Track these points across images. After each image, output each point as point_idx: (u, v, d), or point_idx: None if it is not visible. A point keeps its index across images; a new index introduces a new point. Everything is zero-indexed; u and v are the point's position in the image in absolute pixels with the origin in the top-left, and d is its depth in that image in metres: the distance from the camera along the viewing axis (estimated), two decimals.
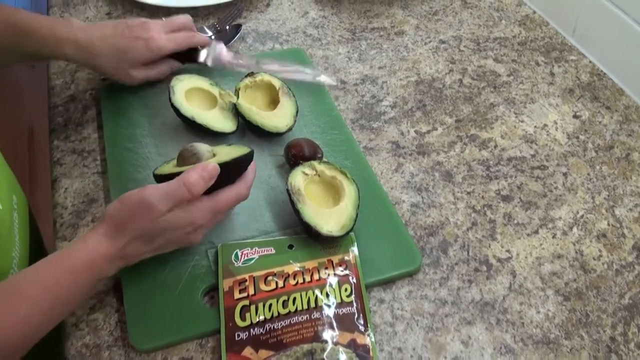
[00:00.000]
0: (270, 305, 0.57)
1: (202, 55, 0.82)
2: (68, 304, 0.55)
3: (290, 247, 0.62)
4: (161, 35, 0.75)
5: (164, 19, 0.79)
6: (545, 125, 0.80)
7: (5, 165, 0.73)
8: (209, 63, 0.82)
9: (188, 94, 0.75)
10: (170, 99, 0.73)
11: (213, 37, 0.91)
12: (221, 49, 0.82)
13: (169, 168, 0.62)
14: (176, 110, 0.73)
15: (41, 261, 0.54)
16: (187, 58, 0.81)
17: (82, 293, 0.55)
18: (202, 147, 0.61)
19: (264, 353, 0.55)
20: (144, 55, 0.75)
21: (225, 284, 0.59)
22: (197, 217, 0.57)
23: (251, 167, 0.62)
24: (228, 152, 0.62)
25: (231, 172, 0.59)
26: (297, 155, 0.69)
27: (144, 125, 0.77)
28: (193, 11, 0.98)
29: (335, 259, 0.61)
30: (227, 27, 0.93)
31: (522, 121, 0.81)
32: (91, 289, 0.56)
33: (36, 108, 2.20)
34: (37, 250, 0.74)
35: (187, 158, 0.61)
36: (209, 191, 0.58)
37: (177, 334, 0.57)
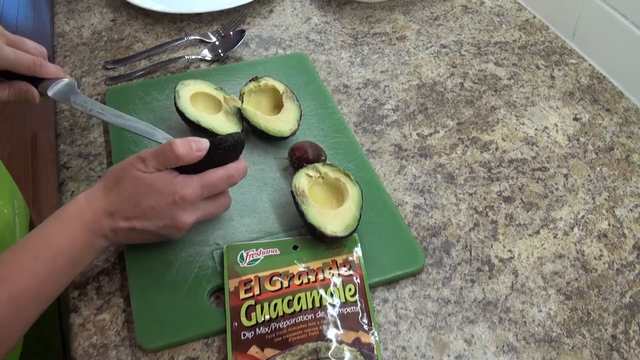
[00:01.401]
0: (276, 304, 0.58)
1: (51, 89, 0.69)
2: (68, 257, 0.56)
3: (295, 247, 0.63)
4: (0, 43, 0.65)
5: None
6: (546, 127, 0.81)
7: (6, 172, 0.74)
8: (51, 95, 0.69)
9: (193, 98, 0.76)
10: (175, 104, 0.74)
11: (217, 41, 0.92)
12: (72, 87, 0.70)
13: None
14: (181, 115, 0.74)
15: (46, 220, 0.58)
16: (35, 85, 0.69)
17: (78, 247, 0.57)
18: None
19: (269, 352, 0.55)
20: None
21: (231, 284, 0.60)
22: (183, 185, 0.58)
23: (242, 159, 0.63)
24: None
25: (221, 154, 0.60)
26: (301, 157, 0.70)
27: None
28: (197, 17, 0.99)
29: (340, 259, 0.62)
30: (231, 33, 0.94)
31: (523, 124, 0.82)
32: (87, 245, 0.57)
33: (39, 115, 2.23)
34: None
35: None
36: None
37: (184, 334, 0.58)
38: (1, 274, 0.53)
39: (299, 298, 0.58)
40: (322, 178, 0.67)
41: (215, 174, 0.60)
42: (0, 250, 0.56)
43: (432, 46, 0.95)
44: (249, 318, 0.57)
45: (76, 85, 0.71)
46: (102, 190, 0.59)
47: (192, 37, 0.94)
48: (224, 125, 0.75)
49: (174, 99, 0.75)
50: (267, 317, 0.57)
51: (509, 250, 0.67)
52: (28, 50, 0.68)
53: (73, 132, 0.81)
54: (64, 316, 0.63)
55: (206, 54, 0.91)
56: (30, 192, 1.91)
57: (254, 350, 0.56)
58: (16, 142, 2.09)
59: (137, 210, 0.58)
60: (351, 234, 0.62)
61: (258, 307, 0.58)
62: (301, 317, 0.57)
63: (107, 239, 0.59)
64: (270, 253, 0.62)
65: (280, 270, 0.61)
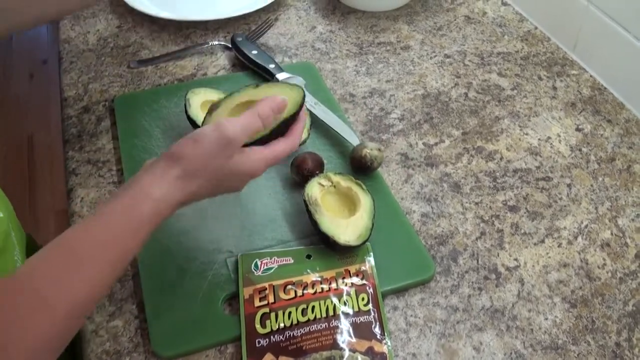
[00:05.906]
0: (290, 313, 0.59)
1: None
2: (129, 257, 0.52)
3: (308, 257, 0.64)
4: None
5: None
6: (549, 137, 0.83)
7: None
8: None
9: (203, 106, 0.76)
10: (186, 112, 0.75)
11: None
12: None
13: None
14: (192, 122, 0.75)
15: (89, 220, 0.51)
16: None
17: (142, 244, 0.52)
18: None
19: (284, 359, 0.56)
20: None
21: (245, 292, 0.61)
22: (257, 167, 0.57)
23: (301, 116, 0.61)
24: (276, 92, 0.60)
25: (289, 123, 0.60)
26: (300, 168, 0.71)
27: (159, 137, 0.78)
28: (203, 25, 1.00)
29: (352, 268, 0.63)
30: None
31: (527, 134, 0.83)
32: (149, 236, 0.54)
33: (36, 117, 2.22)
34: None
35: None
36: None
37: (198, 341, 0.59)
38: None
39: (313, 307, 0.59)
40: (334, 187, 0.68)
41: (283, 150, 0.59)
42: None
43: (436, 56, 0.96)
44: (263, 326, 0.58)
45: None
46: (185, 181, 0.53)
47: (216, 43, 0.95)
48: None
49: (185, 107, 0.75)
50: (282, 325, 0.58)
51: (515, 259, 0.68)
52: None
53: (81, 138, 0.81)
54: None
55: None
56: (26, 194, 1.90)
57: (268, 357, 0.56)
58: (12, 144, 2.08)
59: (215, 191, 0.57)
60: (364, 243, 0.64)
61: (272, 315, 0.59)
62: (315, 325, 0.58)
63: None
64: (284, 262, 0.63)
65: (294, 279, 0.61)
